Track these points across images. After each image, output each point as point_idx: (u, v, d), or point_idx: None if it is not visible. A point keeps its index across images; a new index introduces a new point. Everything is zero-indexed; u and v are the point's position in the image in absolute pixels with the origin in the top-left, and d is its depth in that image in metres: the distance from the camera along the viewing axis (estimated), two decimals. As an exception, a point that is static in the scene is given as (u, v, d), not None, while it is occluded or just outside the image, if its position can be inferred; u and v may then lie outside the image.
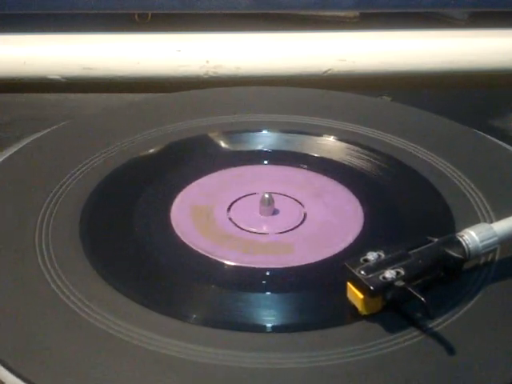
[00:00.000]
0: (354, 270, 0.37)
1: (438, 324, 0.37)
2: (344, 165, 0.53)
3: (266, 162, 0.54)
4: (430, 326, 0.36)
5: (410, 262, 0.38)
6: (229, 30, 0.78)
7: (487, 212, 0.46)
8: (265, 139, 0.57)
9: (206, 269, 0.43)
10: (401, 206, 0.48)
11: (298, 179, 0.52)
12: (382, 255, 0.38)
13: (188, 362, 0.35)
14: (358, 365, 0.35)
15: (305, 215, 0.48)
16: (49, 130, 0.57)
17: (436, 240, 0.39)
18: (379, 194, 0.50)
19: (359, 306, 0.37)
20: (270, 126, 0.58)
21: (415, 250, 0.38)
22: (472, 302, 0.38)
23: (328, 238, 0.45)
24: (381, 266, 0.37)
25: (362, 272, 0.37)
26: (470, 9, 0.81)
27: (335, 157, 0.54)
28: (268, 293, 0.41)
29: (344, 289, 0.38)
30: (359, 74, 0.76)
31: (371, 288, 0.36)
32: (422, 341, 0.36)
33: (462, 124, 0.58)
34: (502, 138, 0.57)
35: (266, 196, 0.47)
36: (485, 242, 0.39)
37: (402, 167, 0.52)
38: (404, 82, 0.76)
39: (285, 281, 0.42)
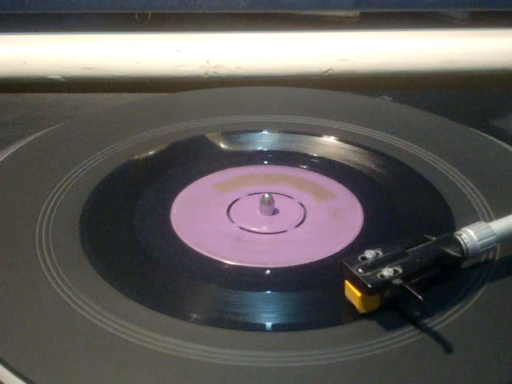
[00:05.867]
0: (351, 268, 0.37)
1: (438, 323, 0.37)
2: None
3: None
4: (430, 324, 0.36)
5: (407, 261, 0.38)
6: (229, 30, 0.78)
7: (487, 211, 0.46)
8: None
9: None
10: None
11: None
12: (380, 253, 0.38)
13: (188, 361, 0.35)
14: (357, 364, 0.35)
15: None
16: (49, 129, 0.57)
17: (434, 238, 0.39)
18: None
19: (357, 304, 0.37)
20: (270, 126, 0.58)
21: (413, 249, 0.38)
22: (472, 301, 0.38)
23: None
24: (378, 264, 0.37)
25: (360, 270, 0.37)
26: (470, 9, 0.81)
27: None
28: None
29: (344, 288, 0.38)
30: (359, 73, 0.76)
31: (369, 286, 0.36)
32: (421, 340, 0.36)
33: (462, 124, 0.58)
34: (502, 138, 0.57)
35: (266, 196, 0.47)
36: (483, 241, 0.39)
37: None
38: (404, 82, 0.76)
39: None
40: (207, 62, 0.75)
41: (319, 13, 0.82)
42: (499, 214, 0.44)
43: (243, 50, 0.76)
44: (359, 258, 0.38)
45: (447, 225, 0.45)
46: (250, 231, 0.46)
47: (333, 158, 0.54)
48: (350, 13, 0.82)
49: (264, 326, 0.38)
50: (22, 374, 0.34)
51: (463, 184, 0.49)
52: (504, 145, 0.55)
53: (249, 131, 0.57)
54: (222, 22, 0.80)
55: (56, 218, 0.45)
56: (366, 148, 0.54)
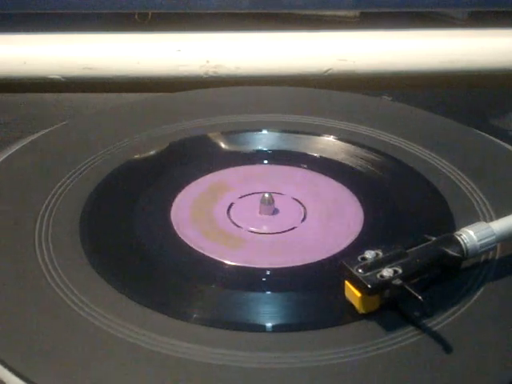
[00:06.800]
0: (351, 269, 0.37)
1: (438, 323, 0.37)
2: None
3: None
4: (430, 324, 0.36)
5: (407, 261, 0.38)
6: (229, 30, 0.78)
7: (487, 211, 0.46)
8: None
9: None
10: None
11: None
12: (380, 254, 0.38)
13: (188, 361, 0.35)
14: (357, 364, 0.35)
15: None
16: (49, 129, 0.57)
17: (434, 239, 0.39)
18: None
19: (357, 304, 0.37)
20: (270, 126, 0.58)
21: (413, 249, 0.39)
22: (472, 301, 0.38)
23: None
24: (378, 264, 0.37)
25: (360, 270, 0.37)
26: (470, 8, 0.81)
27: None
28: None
29: (344, 288, 0.38)
30: (359, 73, 0.76)
31: (368, 286, 0.36)
32: (421, 340, 0.36)
33: (462, 124, 0.58)
34: (502, 138, 0.57)
35: (266, 196, 0.47)
36: (483, 241, 0.39)
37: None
38: (404, 82, 0.76)
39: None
40: (207, 61, 0.75)
41: (319, 13, 0.82)
42: (499, 213, 0.44)
43: (243, 49, 0.76)
44: (359, 258, 0.38)
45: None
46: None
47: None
48: (350, 13, 0.82)
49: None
50: (22, 374, 0.34)
51: (463, 184, 0.49)
52: (504, 145, 0.55)
53: (249, 131, 0.57)
54: (222, 22, 0.80)
55: (56, 218, 0.45)
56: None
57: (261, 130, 0.57)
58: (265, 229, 0.46)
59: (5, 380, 0.34)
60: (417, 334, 0.36)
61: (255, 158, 0.55)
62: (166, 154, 0.54)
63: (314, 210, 0.48)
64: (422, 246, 0.39)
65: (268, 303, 0.40)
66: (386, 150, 0.54)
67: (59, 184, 0.49)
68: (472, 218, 0.45)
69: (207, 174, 0.52)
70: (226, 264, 0.43)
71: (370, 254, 0.38)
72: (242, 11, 0.78)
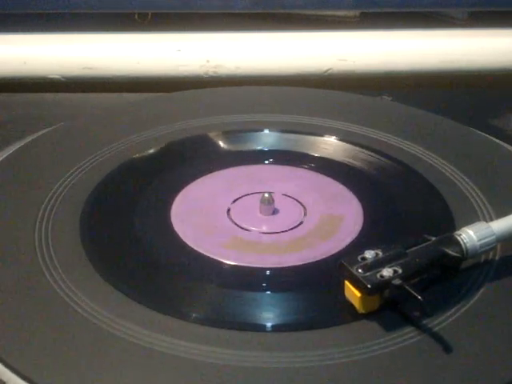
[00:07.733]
0: (351, 269, 0.37)
1: (438, 323, 0.37)
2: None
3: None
4: (430, 325, 0.36)
5: (407, 261, 0.38)
6: (229, 30, 0.78)
7: (487, 211, 0.46)
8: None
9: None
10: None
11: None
12: (380, 253, 0.38)
13: (187, 361, 0.35)
14: (357, 364, 0.35)
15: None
16: (48, 129, 0.57)
17: (434, 239, 0.39)
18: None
19: (357, 304, 0.37)
20: (270, 126, 0.58)
21: (413, 249, 0.39)
22: (472, 301, 0.38)
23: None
24: (378, 264, 0.37)
25: (360, 270, 0.37)
26: (470, 8, 0.81)
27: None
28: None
29: (343, 288, 0.38)
30: (359, 73, 0.76)
31: (368, 286, 0.36)
32: (421, 340, 0.36)
33: (462, 124, 0.58)
34: (502, 138, 0.57)
35: (266, 195, 0.47)
36: (482, 241, 0.39)
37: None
38: (404, 82, 0.76)
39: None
40: (207, 61, 0.75)
41: (319, 13, 0.82)
42: (499, 213, 0.44)
43: (243, 49, 0.76)
44: (359, 258, 0.38)
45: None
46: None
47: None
48: (350, 13, 0.82)
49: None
50: (22, 373, 0.34)
51: (463, 184, 0.49)
52: (504, 145, 0.55)
53: (249, 131, 0.57)
54: (222, 22, 0.80)
55: (56, 218, 0.45)
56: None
57: (261, 130, 0.57)
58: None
59: (5, 379, 0.34)
60: (417, 334, 0.36)
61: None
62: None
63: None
64: (421, 245, 0.39)
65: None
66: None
67: (59, 184, 0.49)
68: (472, 217, 0.45)
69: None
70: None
71: (369, 254, 0.38)
72: (242, 11, 0.78)
